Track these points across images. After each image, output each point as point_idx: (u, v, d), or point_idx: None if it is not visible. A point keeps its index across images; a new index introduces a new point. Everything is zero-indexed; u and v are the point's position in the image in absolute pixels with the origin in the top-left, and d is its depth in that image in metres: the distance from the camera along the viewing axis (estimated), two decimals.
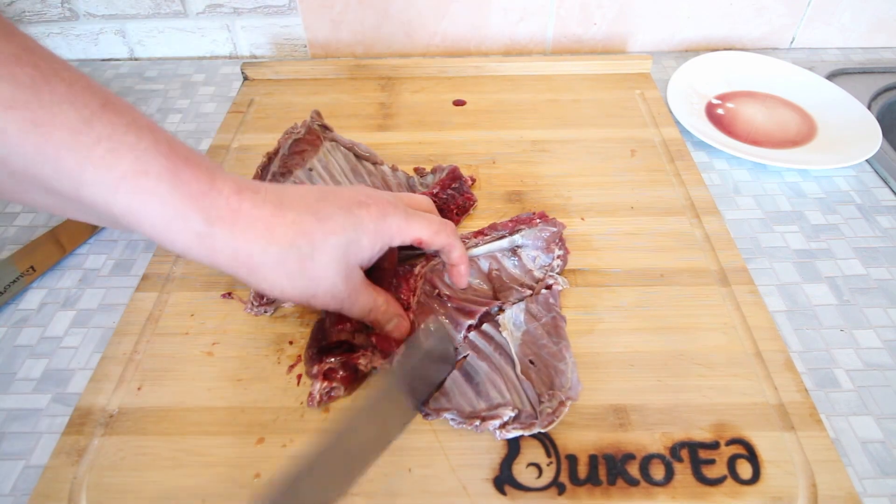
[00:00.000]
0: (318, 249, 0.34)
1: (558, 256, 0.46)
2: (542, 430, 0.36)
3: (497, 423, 0.36)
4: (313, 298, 0.36)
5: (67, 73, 0.29)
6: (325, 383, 0.38)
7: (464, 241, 0.46)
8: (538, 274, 0.45)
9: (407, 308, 0.43)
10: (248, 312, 0.44)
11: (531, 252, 0.46)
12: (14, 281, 0.47)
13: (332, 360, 0.39)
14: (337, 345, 0.40)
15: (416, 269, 0.45)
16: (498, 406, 0.37)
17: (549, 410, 0.36)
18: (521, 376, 0.39)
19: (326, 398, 0.38)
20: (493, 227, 0.48)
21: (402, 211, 0.38)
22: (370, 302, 0.38)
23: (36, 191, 0.30)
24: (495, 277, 0.45)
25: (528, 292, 0.44)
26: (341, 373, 0.39)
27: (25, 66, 0.28)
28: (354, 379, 0.39)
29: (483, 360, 0.40)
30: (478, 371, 0.39)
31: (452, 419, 0.37)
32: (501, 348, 0.41)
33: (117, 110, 0.30)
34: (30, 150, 0.28)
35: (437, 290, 0.44)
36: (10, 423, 0.40)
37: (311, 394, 0.38)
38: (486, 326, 0.42)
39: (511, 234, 0.47)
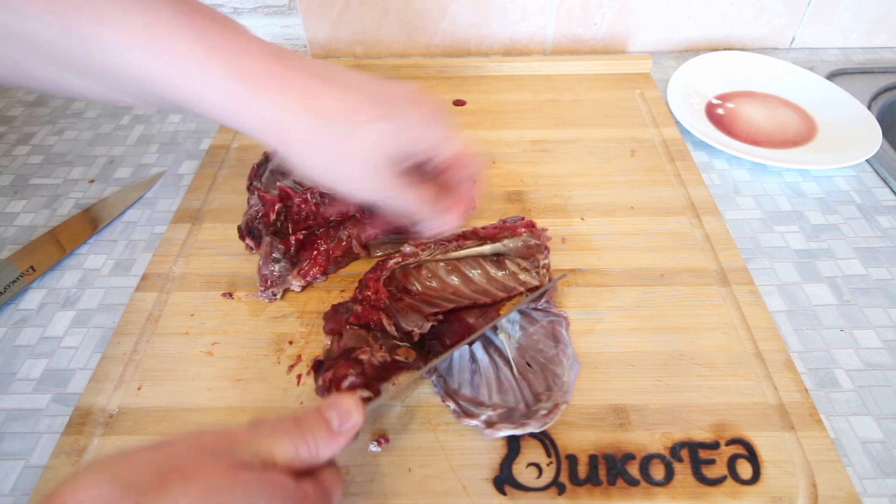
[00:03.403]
0: (360, 128, 0.31)
1: (543, 266, 0.46)
2: (535, 432, 0.36)
3: (477, 422, 0.36)
4: (348, 185, 0.33)
5: None
6: (337, 374, 0.37)
7: (444, 245, 0.45)
8: (523, 277, 0.45)
9: (375, 298, 0.42)
10: (259, 298, 0.44)
11: (515, 260, 0.46)
12: (14, 281, 0.47)
13: (340, 370, 0.38)
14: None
15: (390, 263, 0.44)
16: (480, 404, 0.37)
17: (544, 412, 0.36)
18: (518, 377, 0.39)
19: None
20: (475, 232, 0.47)
21: (446, 125, 0.35)
22: (414, 196, 0.35)
23: (72, 73, 0.29)
24: (477, 281, 0.45)
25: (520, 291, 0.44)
26: (350, 371, 0.38)
27: None
28: (363, 372, 0.38)
29: (486, 354, 0.40)
30: (480, 361, 0.40)
31: (437, 387, 0.38)
32: (500, 351, 0.41)
33: None
34: (52, 20, 0.27)
35: (406, 287, 0.44)
36: (10, 423, 0.40)
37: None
38: (488, 331, 0.42)
39: (493, 242, 0.46)
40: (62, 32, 0.27)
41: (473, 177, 0.38)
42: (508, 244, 0.46)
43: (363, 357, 0.37)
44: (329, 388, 0.36)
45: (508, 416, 0.37)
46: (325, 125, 0.30)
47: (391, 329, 0.40)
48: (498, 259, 0.46)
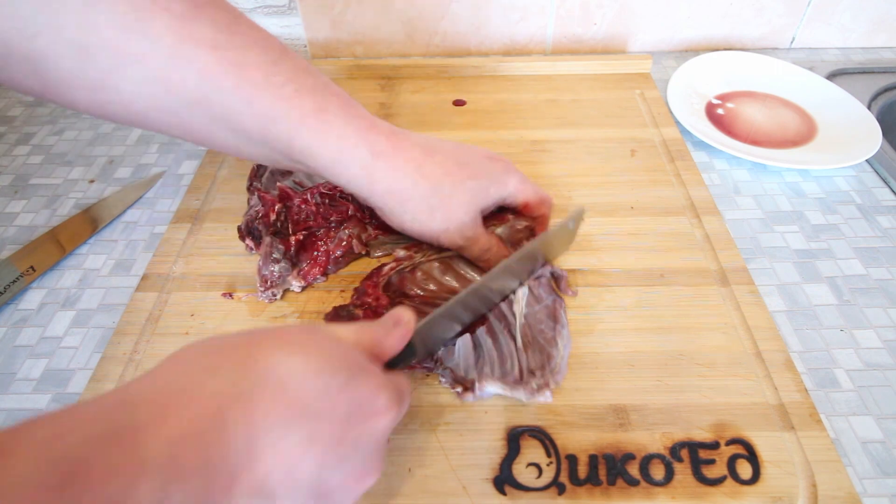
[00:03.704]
0: (457, 188, 0.39)
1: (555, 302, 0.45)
2: (523, 399, 0.37)
3: (472, 394, 0.38)
4: (445, 233, 0.41)
5: (244, 17, 0.34)
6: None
7: (439, 249, 0.45)
8: None
9: (376, 304, 0.43)
10: (259, 299, 0.44)
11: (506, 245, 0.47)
12: (14, 281, 0.47)
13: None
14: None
15: (385, 269, 0.45)
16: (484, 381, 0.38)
17: (535, 386, 0.37)
18: (521, 350, 0.40)
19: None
20: None
21: (521, 173, 0.44)
22: (488, 241, 0.43)
23: (225, 130, 0.34)
24: (470, 278, 0.45)
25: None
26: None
27: (220, 11, 0.32)
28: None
29: (489, 335, 0.40)
30: (482, 345, 0.40)
31: (444, 378, 0.39)
32: (509, 325, 0.41)
33: (292, 55, 0.35)
34: (230, 86, 0.32)
35: (404, 292, 0.44)
36: (10, 423, 0.39)
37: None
38: (502, 304, 0.42)
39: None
40: (244, 104, 0.33)
41: (543, 219, 0.46)
42: (499, 232, 0.46)
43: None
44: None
45: (502, 377, 0.38)
46: (433, 188, 0.39)
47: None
48: None
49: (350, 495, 0.27)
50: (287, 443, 0.24)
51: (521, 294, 0.43)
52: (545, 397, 0.37)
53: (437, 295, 0.44)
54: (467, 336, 0.40)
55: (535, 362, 0.39)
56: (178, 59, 0.31)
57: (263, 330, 0.28)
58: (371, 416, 0.27)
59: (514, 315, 0.42)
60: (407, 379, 0.32)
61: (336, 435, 0.25)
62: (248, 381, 0.24)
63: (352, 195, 0.47)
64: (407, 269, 0.45)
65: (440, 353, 0.40)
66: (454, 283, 0.45)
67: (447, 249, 0.45)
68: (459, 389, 0.38)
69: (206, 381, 0.24)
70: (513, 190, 0.43)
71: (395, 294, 0.44)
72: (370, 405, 0.27)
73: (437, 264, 0.45)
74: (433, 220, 0.40)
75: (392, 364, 0.33)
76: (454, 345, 0.40)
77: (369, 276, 0.44)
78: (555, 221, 0.46)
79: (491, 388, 0.38)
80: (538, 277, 0.44)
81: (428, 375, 0.40)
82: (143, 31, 0.30)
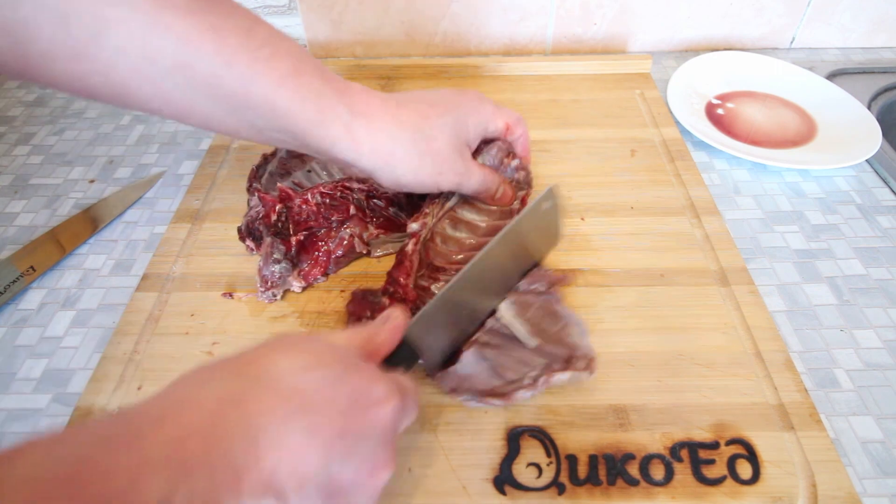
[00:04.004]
0: (437, 127, 0.40)
1: (517, 167, 0.48)
2: (586, 373, 0.37)
3: (524, 392, 0.36)
4: (440, 175, 0.41)
5: None
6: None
7: (435, 202, 0.46)
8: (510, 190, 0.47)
9: (405, 290, 0.42)
10: (259, 299, 0.44)
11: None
12: (14, 281, 0.47)
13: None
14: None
15: (409, 248, 0.44)
16: (516, 381, 0.37)
17: (582, 365, 0.37)
18: (541, 345, 0.39)
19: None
20: (431, 199, 0.47)
21: (492, 102, 0.45)
22: (482, 173, 0.44)
23: (206, 98, 0.35)
24: (479, 222, 0.47)
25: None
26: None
27: None
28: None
29: (492, 349, 0.40)
30: (486, 355, 0.39)
31: (468, 399, 0.37)
32: (508, 338, 0.40)
33: (265, 24, 0.36)
34: (209, 50, 0.33)
35: (433, 264, 0.44)
36: (10, 423, 0.40)
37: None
38: (488, 322, 0.41)
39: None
40: (223, 67, 0.33)
41: (523, 139, 0.48)
42: (485, 159, 0.47)
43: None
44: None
45: (549, 368, 0.37)
46: (414, 133, 0.39)
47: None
48: (469, 201, 0.47)
49: (366, 492, 0.27)
50: (288, 438, 0.24)
51: (505, 307, 0.42)
52: (594, 373, 0.37)
53: (461, 253, 0.45)
54: (469, 353, 0.39)
55: (563, 353, 0.39)
56: (157, 25, 0.31)
57: (255, 345, 0.28)
58: (370, 406, 0.27)
59: (507, 328, 0.41)
60: (409, 377, 0.32)
61: (337, 427, 0.26)
62: (243, 385, 0.25)
63: (351, 191, 0.47)
64: (427, 239, 0.45)
65: (448, 382, 0.39)
66: (468, 236, 0.46)
67: (449, 198, 0.47)
68: (499, 402, 0.37)
69: (202, 391, 0.25)
70: (489, 115, 0.44)
71: (430, 270, 0.44)
72: (367, 396, 0.27)
73: (447, 221, 0.46)
74: (424, 164, 0.40)
75: (392, 364, 0.33)
76: (456, 369, 0.39)
77: (398, 266, 0.43)
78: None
79: (557, 377, 0.36)
80: (525, 292, 0.43)
81: (428, 375, 0.40)
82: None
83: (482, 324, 0.41)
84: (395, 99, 0.40)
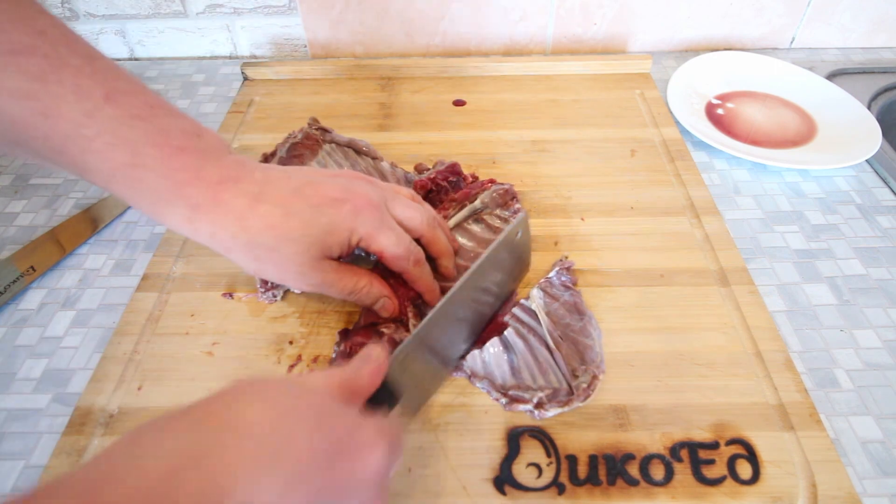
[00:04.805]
0: (282, 243, 0.36)
1: (517, 209, 0.49)
2: (581, 404, 0.37)
3: (529, 406, 0.37)
4: (286, 281, 0.39)
5: (76, 58, 0.32)
6: (356, 342, 0.40)
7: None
8: (504, 226, 0.48)
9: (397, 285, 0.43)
10: (259, 300, 0.44)
11: (493, 211, 0.49)
12: (14, 281, 0.47)
13: (359, 338, 0.41)
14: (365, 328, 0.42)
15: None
16: (528, 389, 0.38)
17: (584, 385, 0.38)
18: (556, 351, 0.39)
19: None
20: (444, 207, 0.49)
21: (378, 219, 0.38)
22: (349, 286, 0.39)
23: (48, 163, 0.33)
24: (469, 248, 0.47)
25: None
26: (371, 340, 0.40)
27: (36, 56, 0.31)
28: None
29: (520, 338, 0.40)
30: (514, 347, 0.40)
31: (484, 387, 0.39)
32: (534, 330, 0.41)
33: (119, 102, 0.32)
34: (40, 136, 0.31)
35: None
36: (10, 423, 0.40)
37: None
38: (516, 310, 0.42)
39: (470, 202, 0.49)
40: (55, 153, 0.32)
41: (406, 274, 0.41)
42: (484, 198, 0.49)
43: (386, 331, 0.40)
44: (349, 354, 0.39)
45: (555, 396, 0.38)
46: (253, 241, 0.36)
47: (415, 324, 0.41)
48: (477, 217, 0.49)
49: None
50: (266, 495, 0.21)
51: (537, 294, 0.43)
52: (597, 390, 0.38)
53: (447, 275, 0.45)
54: (495, 341, 0.40)
55: (574, 359, 0.39)
56: None
57: (216, 393, 0.25)
58: (356, 453, 0.25)
59: (535, 317, 0.41)
60: (395, 419, 0.31)
61: (318, 482, 0.23)
62: (202, 439, 0.22)
63: None
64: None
65: (471, 363, 0.40)
66: (458, 259, 0.46)
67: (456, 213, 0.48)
68: (504, 401, 0.38)
69: (151, 450, 0.21)
70: (362, 238, 0.38)
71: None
72: (351, 444, 0.25)
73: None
74: (264, 269, 0.38)
75: (375, 406, 0.31)
76: (481, 352, 0.40)
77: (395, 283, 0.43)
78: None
79: (552, 411, 0.37)
80: (548, 278, 0.44)
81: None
82: None
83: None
84: (253, 195, 0.35)
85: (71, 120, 0.31)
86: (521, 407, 0.38)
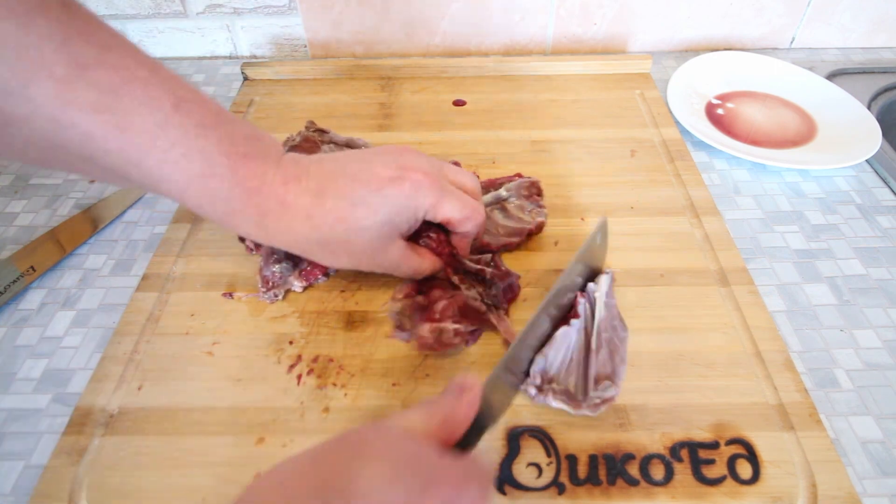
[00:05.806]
0: (353, 233, 0.37)
1: (541, 205, 0.51)
2: (588, 413, 0.37)
3: (532, 389, 0.37)
4: (359, 267, 0.40)
5: (143, 69, 0.32)
6: (443, 325, 0.40)
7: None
8: (527, 218, 0.49)
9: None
10: (260, 300, 0.44)
11: (516, 202, 0.50)
12: (14, 281, 0.47)
13: (437, 291, 0.43)
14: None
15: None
16: (550, 380, 0.38)
17: (597, 401, 0.37)
18: (593, 354, 0.39)
19: (447, 342, 0.40)
20: None
21: (438, 188, 0.39)
22: (414, 266, 0.42)
23: (118, 179, 0.34)
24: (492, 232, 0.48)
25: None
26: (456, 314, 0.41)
27: (106, 69, 0.30)
28: (466, 314, 0.41)
29: (570, 326, 0.40)
30: (571, 345, 0.39)
31: (556, 402, 0.37)
32: (585, 323, 0.41)
33: (186, 111, 0.33)
34: (114, 150, 0.31)
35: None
36: (10, 423, 0.40)
37: (422, 338, 0.40)
38: (581, 300, 0.42)
39: (495, 189, 0.51)
40: (131, 166, 0.32)
41: (463, 237, 0.43)
42: (510, 186, 0.51)
43: (457, 282, 0.43)
44: (425, 307, 0.41)
45: (564, 393, 0.37)
46: (327, 236, 0.37)
47: (457, 280, 0.43)
48: (502, 206, 0.50)
49: None
50: None
51: (605, 280, 0.43)
52: (604, 409, 0.37)
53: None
54: (565, 330, 0.39)
55: (604, 370, 0.38)
56: (60, 124, 0.30)
57: (329, 444, 0.26)
58: None
59: (592, 312, 0.41)
60: (484, 461, 0.30)
61: None
62: (335, 497, 0.23)
63: None
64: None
65: (542, 366, 0.38)
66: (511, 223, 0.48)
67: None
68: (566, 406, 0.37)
69: None
70: (427, 210, 0.39)
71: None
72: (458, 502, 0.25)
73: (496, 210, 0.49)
74: (339, 259, 0.39)
75: (466, 441, 0.30)
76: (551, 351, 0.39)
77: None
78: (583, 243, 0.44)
79: (556, 403, 0.37)
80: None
81: (428, 376, 0.40)
82: (25, 95, 0.29)
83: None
84: (315, 192, 0.36)
85: (145, 132, 0.31)
86: (523, 385, 0.37)
